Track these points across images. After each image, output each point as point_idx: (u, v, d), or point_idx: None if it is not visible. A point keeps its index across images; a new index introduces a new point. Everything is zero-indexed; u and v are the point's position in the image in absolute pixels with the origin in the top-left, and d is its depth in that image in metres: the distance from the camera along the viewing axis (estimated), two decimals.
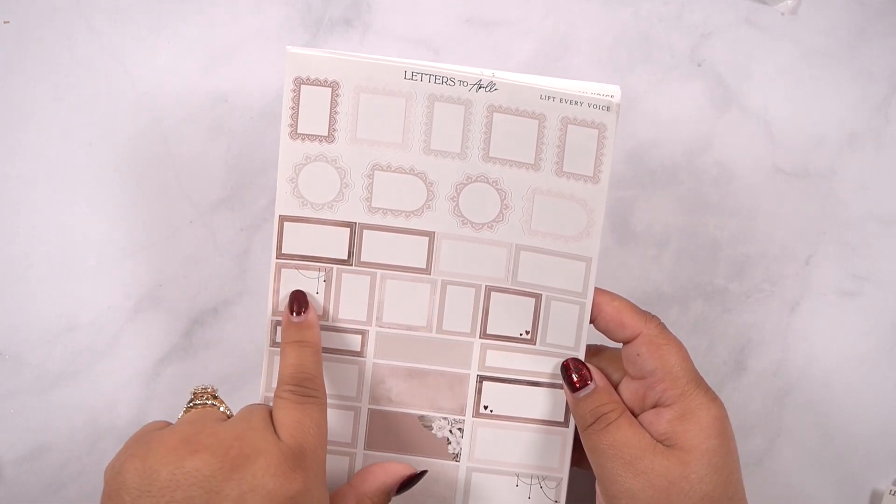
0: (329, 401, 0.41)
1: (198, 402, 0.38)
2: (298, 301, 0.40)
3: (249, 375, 0.49)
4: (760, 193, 0.51)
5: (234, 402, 0.49)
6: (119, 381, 0.48)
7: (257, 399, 0.41)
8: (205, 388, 0.39)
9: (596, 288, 0.40)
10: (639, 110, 0.51)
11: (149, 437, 0.35)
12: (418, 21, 0.51)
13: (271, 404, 0.37)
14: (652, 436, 0.38)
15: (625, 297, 0.40)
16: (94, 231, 0.48)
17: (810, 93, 0.51)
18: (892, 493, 0.49)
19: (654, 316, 0.39)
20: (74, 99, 0.49)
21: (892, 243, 0.51)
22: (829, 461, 0.50)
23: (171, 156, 0.49)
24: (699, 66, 0.51)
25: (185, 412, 0.38)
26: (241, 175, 0.49)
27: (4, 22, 0.49)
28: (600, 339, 0.41)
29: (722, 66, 0.51)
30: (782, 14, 0.52)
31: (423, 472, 0.39)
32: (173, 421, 0.38)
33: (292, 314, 0.39)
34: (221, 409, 0.38)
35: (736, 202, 0.51)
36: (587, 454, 0.39)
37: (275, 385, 0.40)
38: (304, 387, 0.37)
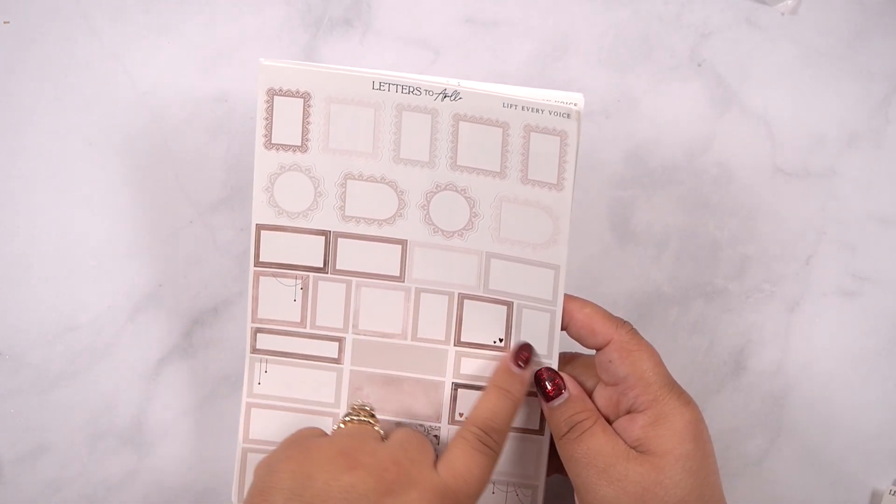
0: (307, 407, 0.41)
1: (355, 416, 0.39)
2: (525, 353, 0.40)
3: None
4: (760, 193, 0.51)
5: (235, 403, 0.49)
6: (119, 381, 0.48)
7: (240, 405, 0.41)
8: (362, 406, 0.40)
9: (567, 295, 0.40)
10: (639, 110, 0.51)
11: (308, 443, 0.36)
12: (418, 21, 0.51)
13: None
14: (626, 442, 0.38)
15: (596, 303, 0.40)
16: (94, 231, 0.48)
17: (810, 93, 0.51)
18: (892, 493, 0.49)
19: (625, 322, 0.40)
20: (74, 99, 0.49)
21: (892, 243, 0.51)
22: (829, 461, 0.50)
23: (171, 156, 0.49)
24: (699, 66, 0.51)
25: (342, 424, 0.39)
26: (241, 175, 0.49)
27: (4, 22, 0.49)
28: (573, 346, 0.41)
29: (722, 66, 0.51)
30: (782, 14, 0.52)
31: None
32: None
33: (516, 364, 0.40)
34: (377, 428, 0.39)
35: (736, 202, 0.51)
36: (563, 462, 0.39)
37: (256, 391, 0.41)
38: (490, 436, 0.37)
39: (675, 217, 0.51)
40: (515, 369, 0.39)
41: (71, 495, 0.48)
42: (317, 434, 0.38)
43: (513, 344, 0.40)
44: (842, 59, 0.52)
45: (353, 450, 0.35)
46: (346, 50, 0.50)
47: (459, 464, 0.36)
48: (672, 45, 0.51)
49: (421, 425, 0.41)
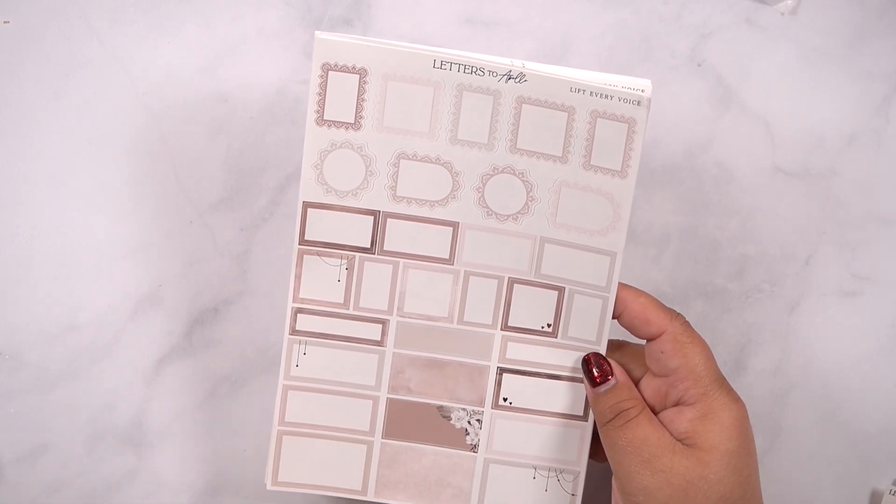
0: (348, 389, 0.41)
1: None
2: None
3: (249, 375, 0.49)
4: (760, 193, 0.51)
5: (234, 402, 0.49)
6: (119, 381, 0.48)
7: (277, 386, 0.41)
8: None
9: (621, 283, 0.40)
10: None
11: None
12: (418, 21, 0.51)
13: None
14: (672, 434, 0.38)
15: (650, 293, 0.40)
16: (94, 231, 0.48)
17: (810, 93, 0.51)
18: (892, 493, 0.49)
19: (679, 314, 0.39)
20: (74, 99, 0.49)
21: (892, 243, 0.51)
22: (829, 461, 0.50)
23: (171, 156, 0.49)
24: (699, 66, 0.51)
25: None
26: (241, 175, 0.49)
27: (4, 22, 0.49)
28: (622, 334, 0.41)
29: (722, 66, 0.51)
30: (782, 14, 0.52)
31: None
32: None
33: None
34: None
35: (736, 202, 0.51)
36: (605, 450, 0.39)
37: (294, 373, 0.41)
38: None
39: (675, 217, 0.51)
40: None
41: (71, 495, 0.48)
42: None
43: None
44: (842, 59, 0.52)
45: None
46: None
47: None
48: (672, 45, 0.51)
49: (463, 409, 0.41)
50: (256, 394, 0.49)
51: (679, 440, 0.37)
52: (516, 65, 0.38)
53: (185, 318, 0.49)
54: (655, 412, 0.39)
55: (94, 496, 0.48)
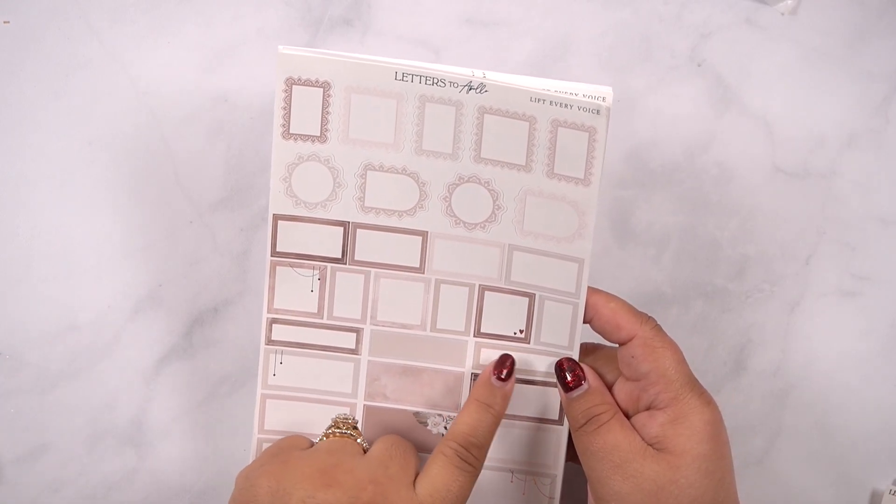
0: (324, 398, 0.41)
1: (337, 430, 0.38)
2: (506, 366, 0.40)
3: (249, 375, 0.49)
4: (760, 193, 0.51)
5: (235, 402, 0.49)
6: (119, 381, 0.48)
7: (255, 398, 0.41)
8: (345, 418, 0.39)
9: (592, 288, 0.40)
10: (639, 110, 0.51)
11: (288, 457, 0.36)
12: (418, 21, 0.51)
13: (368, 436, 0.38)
14: (643, 438, 0.38)
15: (622, 297, 0.40)
16: (94, 231, 0.48)
17: (810, 93, 0.51)
18: (892, 492, 0.49)
19: (650, 317, 0.39)
20: (74, 99, 0.49)
21: (892, 243, 0.51)
22: (829, 461, 0.50)
23: (171, 156, 0.49)
24: (699, 66, 0.51)
25: (324, 437, 0.38)
26: (241, 175, 0.49)
27: (4, 22, 0.49)
28: (596, 338, 0.41)
29: (722, 66, 0.51)
30: (782, 14, 0.52)
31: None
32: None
33: (497, 377, 0.39)
34: (359, 441, 0.38)
35: (736, 202, 0.51)
36: (578, 455, 0.39)
37: (271, 382, 0.41)
38: (469, 452, 0.37)
39: (675, 217, 0.51)
40: (497, 383, 0.39)
41: (71, 495, 0.48)
42: (300, 446, 0.38)
43: (496, 358, 0.40)
44: (842, 59, 0.52)
45: (331, 467, 0.35)
46: (346, 50, 0.50)
47: (438, 481, 0.36)
48: (672, 45, 0.51)
49: (440, 415, 0.41)
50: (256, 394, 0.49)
51: (650, 444, 0.37)
52: (477, 75, 0.39)
53: (185, 318, 0.49)
54: (629, 416, 0.39)
55: (94, 496, 0.48)
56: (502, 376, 0.39)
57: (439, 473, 0.36)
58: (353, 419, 0.40)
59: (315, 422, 0.41)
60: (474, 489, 0.40)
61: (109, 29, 0.49)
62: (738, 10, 0.52)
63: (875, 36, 0.52)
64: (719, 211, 0.51)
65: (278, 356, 0.41)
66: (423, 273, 0.40)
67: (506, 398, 0.39)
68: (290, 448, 0.37)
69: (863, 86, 0.52)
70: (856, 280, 0.51)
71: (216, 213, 0.49)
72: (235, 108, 0.49)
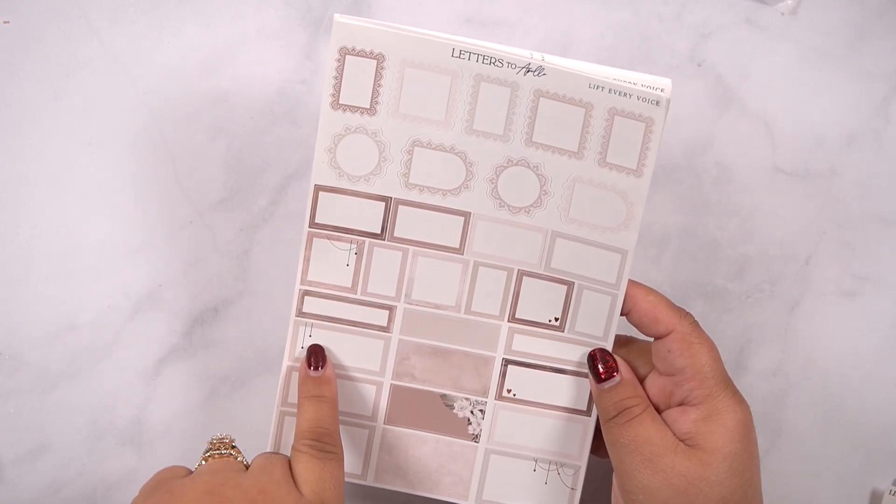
0: (352, 374, 0.41)
1: (215, 451, 0.38)
2: (316, 355, 0.40)
3: (249, 375, 0.49)
4: (760, 193, 0.51)
5: (235, 402, 0.49)
6: (119, 381, 0.48)
7: (281, 368, 0.41)
8: (222, 439, 0.39)
9: (631, 281, 0.40)
10: None
11: (170, 486, 0.35)
12: (418, 21, 0.51)
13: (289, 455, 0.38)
14: (675, 434, 0.38)
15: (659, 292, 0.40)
16: (94, 231, 0.48)
17: (810, 93, 0.51)
18: (892, 493, 0.49)
19: (688, 313, 0.39)
20: (74, 99, 0.49)
21: (892, 243, 0.51)
22: (829, 461, 0.50)
23: (171, 156, 0.49)
24: (699, 66, 0.51)
25: (203, 461, 0.38)
26: (241, 175, 0.49)
27: (4, 22, 0.49)
28: (630, 331, 0.41)
29: (722, 66, 0.51)
30: (782, 14, 0.52)
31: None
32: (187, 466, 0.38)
33: (310, 368, 0.39)
34: (239, 458, 0.38)
35: (736, 202, 0.51)
36: (607, 446, 0.39)
37: (297, 355, 0.41)
38: (322, 442, 0.37)
39: (675, 217, 0.51)
40: (315, 373, 0.39)
41: (71, 495, 0.48)
42: (178, 475, 0.37)
43: (307, 353, 0.40)
44: (842, 59, 0.52)
45: (217, 485, 0.35)
46: None
47: (310, 476, 0.36)
48: (672, 45, 0.51)
49: (467, 398, 0.41)
50: (256, 394, 0.49)
51: (682, 440, 0.37)
52: (536, 58, 0.38)
53: (185, 318, 0.49)
54: (659, 411, 0.39)
55: (94, 496, 0.48)
56: (318, 367, 0.39)
57: (306, 469, 0.36)
58: (231, 438, 0.39)
59: (340, 399, 0.41)
60: (497, 475, 0.40)
61: (109, 29, 0.49)
62: (738, 11, 0.52)
63: (875, 36, 0.52)
64: (719, 211, 0.51)
65: (308, 329, 0.41)
66: (463, 254, 0.40)
67: (330, 381, 0.39)
68: (169, 479, 0.36)
69: (863, 86, 0.52)
70: (856, 280, 0.51)
71: (216, 213, 0.49)
72: (235, 108, 0.49)
